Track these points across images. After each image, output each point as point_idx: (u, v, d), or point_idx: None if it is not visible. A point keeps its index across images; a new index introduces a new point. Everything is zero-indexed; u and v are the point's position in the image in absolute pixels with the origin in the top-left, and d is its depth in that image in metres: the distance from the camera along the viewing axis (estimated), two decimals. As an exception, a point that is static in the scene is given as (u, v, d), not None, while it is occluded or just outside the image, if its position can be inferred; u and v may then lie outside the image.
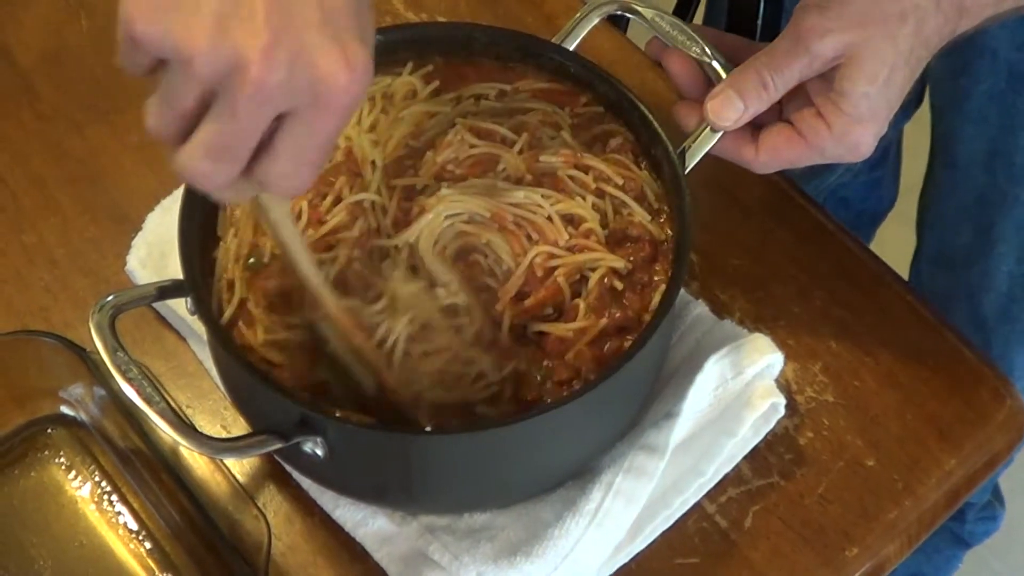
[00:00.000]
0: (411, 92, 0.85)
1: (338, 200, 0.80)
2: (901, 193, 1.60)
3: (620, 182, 0.81)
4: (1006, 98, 1.08)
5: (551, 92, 0.86)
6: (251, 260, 0.78)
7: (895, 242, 1.42)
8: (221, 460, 0.80)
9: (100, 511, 0.83)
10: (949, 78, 1.14)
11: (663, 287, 0.77)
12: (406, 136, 0.83)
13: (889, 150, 1.50)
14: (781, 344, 0.84)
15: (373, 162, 0.81)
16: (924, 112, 1.27)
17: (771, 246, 0.93)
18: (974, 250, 1.22)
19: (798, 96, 0.79)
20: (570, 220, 0.79)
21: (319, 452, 0.72)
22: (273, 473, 0.84)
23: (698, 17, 1.33)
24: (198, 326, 0.86)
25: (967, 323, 1.25)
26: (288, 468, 0.83)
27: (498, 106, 0.85)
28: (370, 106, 0.84)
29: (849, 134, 0.76)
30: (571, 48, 0.85)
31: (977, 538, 1.60)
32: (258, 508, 0.78)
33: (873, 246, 0.95)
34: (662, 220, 0.80)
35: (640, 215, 0.80)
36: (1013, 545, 1.73)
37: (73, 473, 0.85)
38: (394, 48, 0.85)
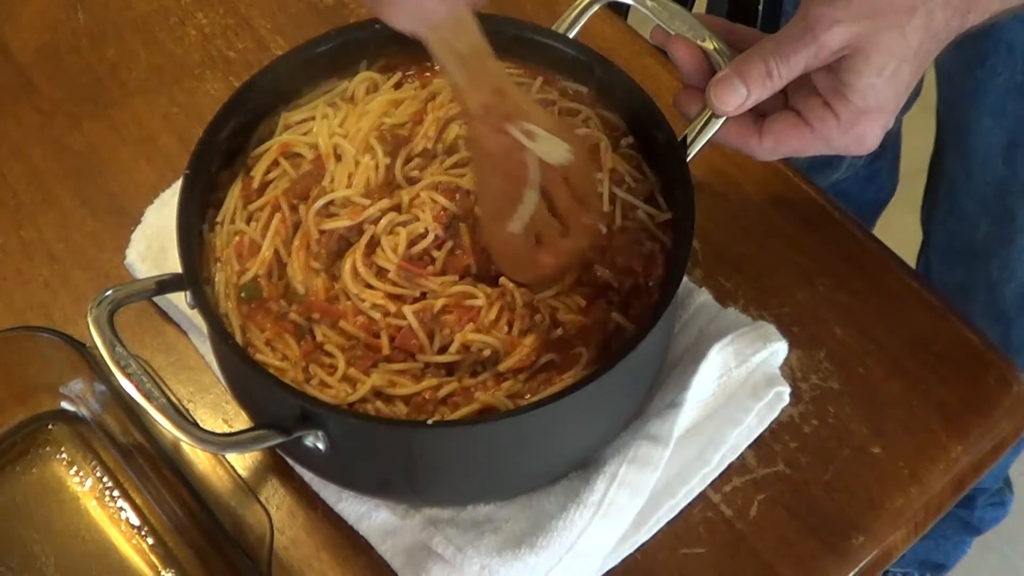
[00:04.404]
0: (372, 87, 0.85)
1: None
2: (902, 180, 1.59)
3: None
4: (1023, 91, 1.07)
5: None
6: (243, 294, 0.77)
7: (897, 229, 1.41)
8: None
9: (102, 506, 0.83)
10: (964, 71, 1.13)
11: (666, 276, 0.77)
12: (378, 119, 0.82)
13: (887, 142, 1.49)
14: (785, 332, 0.84)
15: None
16: (921, 97, 1.26)
17: (775, 234, 0.92)
18: (993, 241, 1.21)
19: (803, 87, 0.78)
20: None
21: (320, 446, 0.72)
22: (275, 467, 0.84)
23: (699, 6, 1.32)
24: (199, 320, 0.86)
25: (985, 315, 1.25)
26: (291, 462, 0.82)
27: None
28: (334, 111, 0.83)
29: (856, 125, 0.76)
30: (572, 35, 0.84)
31: (986, 524, 1.60)
32: (260, 502, 0.78)
33: (875, 233, 0.94)
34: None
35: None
36: (1022, 530, 1.73)
37: (74, 469, 0.84)
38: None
